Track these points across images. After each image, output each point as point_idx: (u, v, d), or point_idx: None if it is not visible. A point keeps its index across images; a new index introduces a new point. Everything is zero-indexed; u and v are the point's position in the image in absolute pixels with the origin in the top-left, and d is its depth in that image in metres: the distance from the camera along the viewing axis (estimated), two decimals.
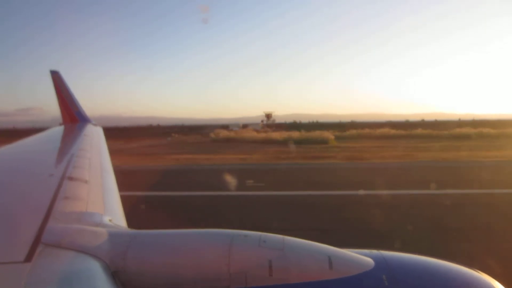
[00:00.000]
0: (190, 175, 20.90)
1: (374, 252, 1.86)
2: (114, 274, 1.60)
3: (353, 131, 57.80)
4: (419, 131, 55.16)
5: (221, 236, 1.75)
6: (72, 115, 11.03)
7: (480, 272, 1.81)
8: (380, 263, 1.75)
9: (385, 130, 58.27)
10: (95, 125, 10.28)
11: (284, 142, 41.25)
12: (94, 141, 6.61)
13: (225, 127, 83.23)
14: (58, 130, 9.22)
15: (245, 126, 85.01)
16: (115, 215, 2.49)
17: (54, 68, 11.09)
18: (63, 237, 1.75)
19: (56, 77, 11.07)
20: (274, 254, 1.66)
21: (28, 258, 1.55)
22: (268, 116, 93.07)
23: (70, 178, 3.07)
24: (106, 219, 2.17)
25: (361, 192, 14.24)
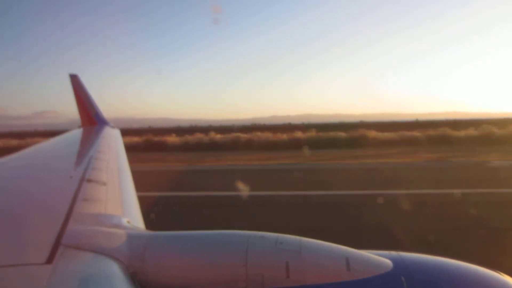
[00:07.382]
0: None
1: (393, 253, 1.82)
2: (132, 275, 1.62)
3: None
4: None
5: (237, 237, 1.76)
6: (91, 118, 11.27)
7: (502, 273, 1.75)
8: (399, 265, 1.71)
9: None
10: (113, 127, 10.46)
11: None
12: (112, 143, 6.74)
13: None
14: (77, 133, 9.44)
15: None
16: (133, 217, 2.53)
17: (65, 70, 11.35)
18: (82, 239, 1.78)
19: (75, 80, 11.33)
20: (291, 255, 1.65)
21: (49, 259, 1.58)
22: None
23: (89, 180, 3.13)
24: (124, 221, 2.20)
25: None
